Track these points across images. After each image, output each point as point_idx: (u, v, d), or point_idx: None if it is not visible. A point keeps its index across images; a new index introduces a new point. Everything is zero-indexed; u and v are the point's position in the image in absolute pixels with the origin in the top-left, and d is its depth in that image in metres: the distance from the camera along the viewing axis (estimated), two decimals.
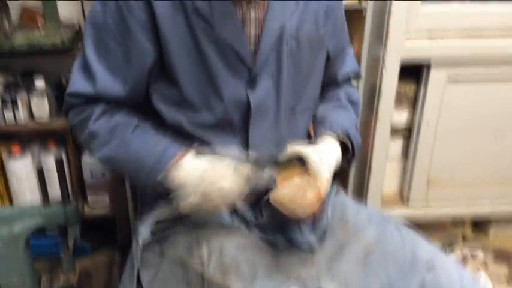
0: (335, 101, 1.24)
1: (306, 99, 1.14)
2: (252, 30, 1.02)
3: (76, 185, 1.88)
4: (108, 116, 1.02)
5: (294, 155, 1.04)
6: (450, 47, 1.64)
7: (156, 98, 1.05)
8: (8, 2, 1.70)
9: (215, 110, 1.03)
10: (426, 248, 1.08)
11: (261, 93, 1.05)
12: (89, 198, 1.91)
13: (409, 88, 1.77)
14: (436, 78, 1.69)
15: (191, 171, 0.97)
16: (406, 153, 1.88)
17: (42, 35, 1.69)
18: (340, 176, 1.91)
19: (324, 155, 1.04)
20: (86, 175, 1.89)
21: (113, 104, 1.03)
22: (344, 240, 1.10)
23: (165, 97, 1.04)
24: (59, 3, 1.81)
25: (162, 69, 1.02)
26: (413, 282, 1.01)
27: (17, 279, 1.57)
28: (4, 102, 1.72)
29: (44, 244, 1.73)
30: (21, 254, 1.53)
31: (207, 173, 0.96)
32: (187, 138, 1.05)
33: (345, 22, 1.22)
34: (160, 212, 1.05)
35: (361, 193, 1.86)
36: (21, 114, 1.74)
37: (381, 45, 1.62)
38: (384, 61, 1.62)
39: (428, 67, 1.68)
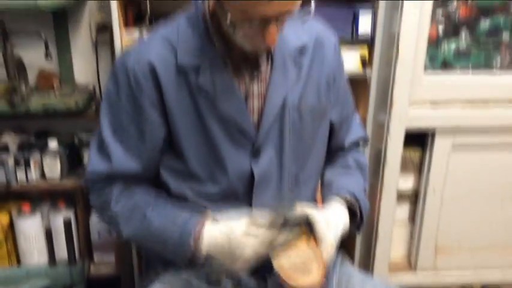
0: (343, 166, 1.24)
1: (309, 168, 1.15)
2: (255, 104, 1.05)
3: (83, 245, 1.89)
4: (127, 196, 1.07)
5: (301, 217, 1.03)
6: (454, 116, 1.67)
7: (163, 170, 1.09)
8: (27, 64, 1.77)
9: (219, 182, 1.06)
10: None
11: (264, 164, 1.07)
12: (96, 257, 1.92)
13: (415, 154, 1.79)
14: (440, 145, 1.70)
15: (213, 241, 0.99)
16: (413, 218, 1.88)
17: (57, 98, 1.74)
18: (347, 242, 1.92)
19: (331, 220, 1.04)
20: (94, 235, 1.90)
21: (130, 181, 1.07)
22: None
23: (171, 169, 1.08)
24: (75, 66, 1.89)
25: (170, 143, 1.05)
26: None
27: None
28: (17, 162, 1.76)
29: None
30: None
31: (230, 243, 0.98)
32: (192, 208, 1.07)
33: (349, 90, 1.24)
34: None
35: (368, 259, 1.84)
36: (33, 174, 1.78)
37: (386, 112, 1.65)
38: (388, 128, 1.65)
39: (433, 134, 1.70)
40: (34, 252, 1.81)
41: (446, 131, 1.69)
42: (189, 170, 1.06)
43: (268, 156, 1.08)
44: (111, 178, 1.06)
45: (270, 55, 1.05)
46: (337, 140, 1.23)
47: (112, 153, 1.04)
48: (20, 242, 1.83)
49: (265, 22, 0.88)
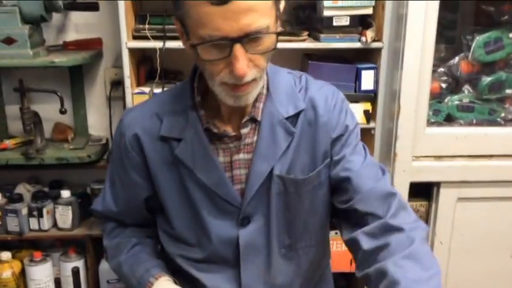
0: (408, 255, 0.91)
1: (307, 237, 1.11)
2: (242, 172, 1.04)
3: None
4: (115, 234, 1.19)
5: None
6: (458, 168, 1.69)
7: (158, 229, 1.14)
8: (43, 117, 1.85)
9: (206, 248, 1.07)
10: None
11: (251, 232, 1.06)
12: None
13: (422, 206, 1.80)
14: (445, 197, 1.71)
15: None
16: None
17: (70, 150, 1.82)
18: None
19: None
20: (103, 282, 1.93)
21: (119, 222, 1.19)
22: None
23: (162, 230, 1.13)
24: (89, 119, 1.97)
25: (161, 205, 1.09)
26: None
27: None
28: (30, 211, 1.82)
29: None
30: None
31: None
32: (180, 272, 1.11)
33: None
34: None
35: None
36: (46, 223, 1.84)
37: (390, 165, 1.68)
38: (392, 181, 1.66)
39: (438, 187, 1.71)
40: None
41: (451, 184, 1.70)
42: (176, 233, 1.08)
43: (256, 224, 1.06)
44: (104, 216, 1.20)
45: (257, 123, 1.02)
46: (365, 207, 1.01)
47: (105, 196, 1.17)
48: None
49: (230, 49, 0.84)
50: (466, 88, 1.84)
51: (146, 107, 1.09)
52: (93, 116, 1.97)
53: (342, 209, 1.06)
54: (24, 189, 1.90)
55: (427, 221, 1.80)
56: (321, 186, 1.07)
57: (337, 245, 1.78)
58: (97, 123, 1.97)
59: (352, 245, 1.02)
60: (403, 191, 1.68)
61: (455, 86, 1.86)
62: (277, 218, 1.06)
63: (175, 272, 1.12)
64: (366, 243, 0.98)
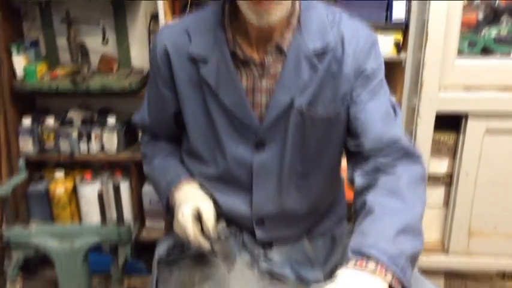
0: (391, 191, 0.98)
1: (320, 167, 1.16)
2: (263, 98, 1.08)
3: (135, 210, 2.10)
4: (151, 144, 1.28)
5: None
6: (487, 100, 1.67)
7: (182, 148, 1.23)
8: (91, 50, 1.99)
9: (220, 166, 1.14)
10: None
11: (266, 157, 1.11)
12: (147, 223, 2.12)
13: (450, 138, 1.80)
14: (473, 129, 1.71)
15: (181, 198, 1.14)
16: (447, 202, 1.89)
17: (114, 79, 1.95)
18: None
19: None
20: (146, 202, 2.10)
21: (153, 134, 1.28)
22: None
23: (184, 148, 1.22)
24: (132, 51, 2.10)
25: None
26: None
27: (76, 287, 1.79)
28: (80, 135, 2.00)
29: (100, 261, 1.94)
30: (79, 266, 1.74)
31: (180, 208, 1.11)
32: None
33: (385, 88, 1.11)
34: (172, 238, 1.22)
35: None
36: (94, 146, 2.01)
37: (417, 96, 1.69)
38: (418, 111, 1.68)
39: (466, 118, 1.71)
40: (93, 214, 2.04)
41: (480, 115, 1.69)
42: (195, 150, 1.16)
43: (270, 150, 1.10)
44: (140, 127, 1.31)
45: (283, 54, 1.05)
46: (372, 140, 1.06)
47: (142, 108, 1.26)
48: (82, 205, 2.07)
49: None
50: (505, 19, 1.79)
51: (180, 24, 1.14)
52: (135, 48, 2.09)
53: (351, 147, 1.11)
54: (75, 115, 2.07)
55: (454, 153, 1.80)
56: (338, 124, 1.10)
57: None
58: (139, 55, 2.09)
59: (351, 185, 1.10)
60: (428, 122, 1.70)
61: (493, 18, 1.80)
62: (292, 146, 1.10)
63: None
64: (359, 181, 1.05)
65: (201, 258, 1.18)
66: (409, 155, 1.04)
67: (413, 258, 0.89)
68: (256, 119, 1.09)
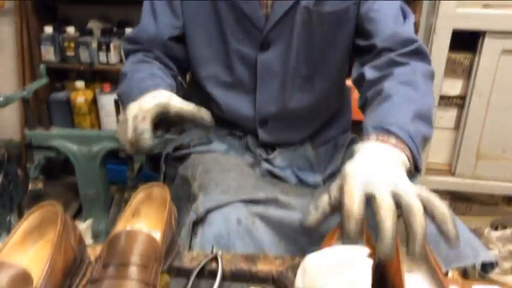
0: (405, 82, 0.98)
1: (326, 70, 1.15)
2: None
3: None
4: (136, 63, 1.11)
5: None
6: (505, 17, 1.63)
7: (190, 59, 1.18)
8: None
9: (223, 66, 1.14)
10: None
11: (270, 57, 1.11)
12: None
13: (465, 58, 1.78)
14: (489, 48, 1.68)
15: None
16: (459, 124, 1.89)
17: None
18: None
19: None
20: None
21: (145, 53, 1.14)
22: None
23: (190, 54, 1.16)
24: None
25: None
26: None
27: (94, 191, 1.89)
28: (100, 45, 2.04)
29: (116, 170, 2.03)
30: (97, 170, 1.84)
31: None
32: (204, 95, 1.19)
33: None
34: (179, 138, 1.27)
35: None
36: (113, 56, 2.05)
37: (434, 13, 1.66)
38: (435, 28, 1.66)
39: (483, 36, 1.68)
40: (112, 124, 2.12)
41: (497, 34, 1.66)
42: (200, 52, 1.13)
43: (275, 50, 1.10)
44: (134, 43, 1.13)
45: None
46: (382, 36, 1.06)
47: (140, 22, 1.14)
48: (101, 116, 2.15)
49: None
50: None
51: None
52: None
53: (361, 46, 1.08)
54: (94, 25, 2.10)
55: (469, 74, 1.79)
56: (347, 22, 1.08)
57: None
58: None
59: (359, 80, 1.07)
60: (444, 39, 1.68)
61: None
62: (298, 46, 1.09)
63: (201, 96, 1.19)
64: (371, 74, 1.02)
65: (203, 155, 1.24)
66: (422, 53, 1.02)
67: (425, 143, 0.90)
68: (263, 17, 1.08)
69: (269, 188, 1.13)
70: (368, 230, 0.71)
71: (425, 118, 0.91)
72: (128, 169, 1.87)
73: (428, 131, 0.92)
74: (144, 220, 0.81)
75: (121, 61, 2.09)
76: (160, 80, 1.02)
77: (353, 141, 1.30)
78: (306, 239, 1.01)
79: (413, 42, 1.03)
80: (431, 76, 1.03)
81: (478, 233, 1.96)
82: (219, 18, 1.10)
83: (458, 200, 2.02)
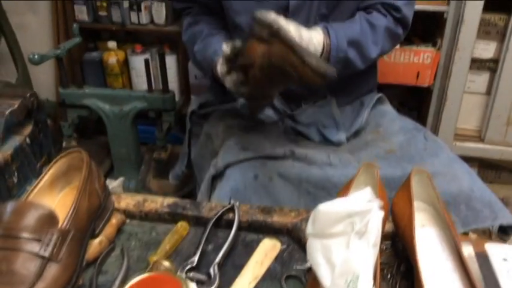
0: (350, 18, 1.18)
1: (339, 11, 1.18)
2: None
3: (183, 85, 2.20)
4: (190, 29, 1.25)
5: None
6: None
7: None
8: None
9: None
10: (445, 157, 1.08)
11: (302, 4, 1.14)
12: (192, 97, 2.22)
13: (501, 18, 1.72)
14: None
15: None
16: (490, 90, 1.85)
17: None
18: (421, 108, 1.95)
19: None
20: (192, 76, 2.19)
21: (199, 11, 1.24)
22: (371, 141, 1.19)
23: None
24: None
25: None
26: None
27: (125, 150, 1.95)
28: (131, 5, 2.06)
29: (146, 130, 2.08)
30: (128, 130, 1.89)
31: None
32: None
33: None
34: (205, 96, 1.29)
35: (437, 125, 1.89)
36: (144, 17, 2.08)
37: None
38: None
39: None
40: (143, 85, 2.15)
41: None
42: (232, 3, 1.17)
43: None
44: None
45: None
46: None
47: None
48: (132, 76, 2.19)
49: None
50: None
51: None
52: None
53: None
54: None
55: (503, 36, 1.73)
56: None
57: (404, 56, 1.81)
58: None
59: None
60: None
61: None
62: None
63: None
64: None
65: (226, 113, 1.26)
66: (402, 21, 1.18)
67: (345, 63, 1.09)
68: None
69: (289, 144, 1.16)
70: (383, 188, 0.73)
71: (360, 50, 1.12)
72: (156, 129, 1.91)
73: (354, 58, 1.11)
74: (56, 191, 0.75)
75: (152, 21, 2.11)
76: None
77: (379, 101, 1.31)
78: (324, 193, 1.03)
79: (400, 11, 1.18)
80: (392, 35, 1.18)
81: (506, 201, 1.94)
82: None
83: (487, 167, 1.99)
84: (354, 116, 1.29)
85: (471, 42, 1.70)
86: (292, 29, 0.94)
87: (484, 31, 1.72)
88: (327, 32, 1.05)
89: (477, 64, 1.79)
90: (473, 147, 1.88)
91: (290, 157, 1.08)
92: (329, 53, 1.05)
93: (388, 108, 1.33)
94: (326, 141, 1.24)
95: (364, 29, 1.13)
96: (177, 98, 1.92)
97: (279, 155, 1.08)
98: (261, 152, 1.08)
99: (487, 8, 1.65)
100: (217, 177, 1.08)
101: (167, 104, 1.84)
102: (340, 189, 0.76)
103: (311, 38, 1.00)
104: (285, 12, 1.15)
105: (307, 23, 1.16)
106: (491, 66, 1.80)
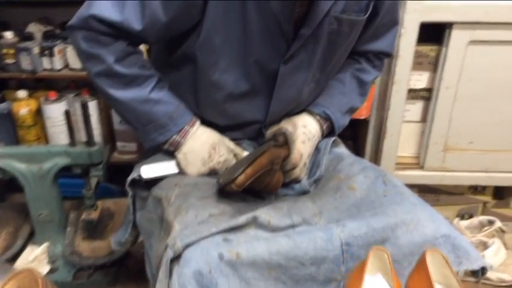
0: (339, 80, 1.26)
1: (331, 71, 1.19)
2: (299, 7, 1.03)
3: (106, 131, 2.02)
4: (131, 62, 1.05)
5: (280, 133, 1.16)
6: (472, 7, 1.59)
7: (185, 61, 1.10)
8: None
9: (242, 73, 1.08)
10: (407, 203, 1.04)
11: (291, 68, 1.09)
12: (118, 144, 2.05)
13: (432, 50, 1.75)
14: (457, 39, 1.65)
15: (199, 144, 1.11)
16: (426, 117, 1.87)
17: None
18: (358, 138, 1.95)
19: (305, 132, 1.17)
20: (116, 122, 2.01)
21: (133, 43, 1.04)
22: (333, 189, 1.14)
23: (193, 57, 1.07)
24: None
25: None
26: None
27: (47, 212, 1.73)
28: (42, 50, 1.86)
29: (71, 185, 1.87)
30: (50, 189, 1.68)
31: (214, 153, 1.13)
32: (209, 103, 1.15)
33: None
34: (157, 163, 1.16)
35: (377, 156, 1.88)
36: (57, 62, 1.88)
37: (403, 5, 1.61)
38: (402, 22, 1.61)
39: (450, 27, 1.65)
40: (60, 135, 1.95)
41: (464, 25, 1.63)
42: (211, 57, 1.05)
43: (298, 61, 1.09)
44: (118, 30, 0.99)
45: None
46: (359, 43, 1.22)
47: (126, 4, 0.97)
48: (48, 127, 1.97)
49: None
50: None
51: None
52: None
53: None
54: (35, 29, 1.92)
55: (436, 66, 1.76)
56: (361, 27, 1.14)
57: None
58: None
59: None
60: (412, 32, 1.63)
61: None
62: (320, 55, 1.11)
63: (206, 104, 1.15)
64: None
65: (181, 176, 1.14)
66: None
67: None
68: (292, 31, 1.05)
69: (250, 205, 1.07)
70: (395, 272, 0.66)
71: (352, 111, 1.30)
72: (84, 184, 1.71)
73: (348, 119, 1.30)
74: None
75: (67, 66, 1.91)
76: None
77: (334, 144, 1.27)
78: (295, 263, 0.93)
79: (389, 56, 1.34)
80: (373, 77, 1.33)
81: None
82: (246, 27, 1.02)
83: (427, 191, 2.01)
84: (312, 164, 1.24)
85: (407, 75, 1.71)
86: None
87: (417, 62, 1.73)
88: (327, 117, 1.22)
89: (411, 94, 1.80)
90: (414, 175, 1.89)
91: (253, 224, 0.99)
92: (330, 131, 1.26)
93: (343, 150, 1.31)
94: (289, 189, 1.19)
95: (353, 90, 1.27)
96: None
97: (242, 223, 0.97)
98: (222, 223, 0.96)
99: (418, 40, 1.67)
100: (174, 258, 0.94)
101: (94, 157, 1.65)
102: (351, 274, 0.68)
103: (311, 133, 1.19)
104: (272, 80, 1.11)
105: (300, 91, 1.17)
106: (424, 95, 1.83)
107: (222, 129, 1.17)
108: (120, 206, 1.89)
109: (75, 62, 1.89)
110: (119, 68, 1.03)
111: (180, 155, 1.13)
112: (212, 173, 1.15)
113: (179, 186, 1.09)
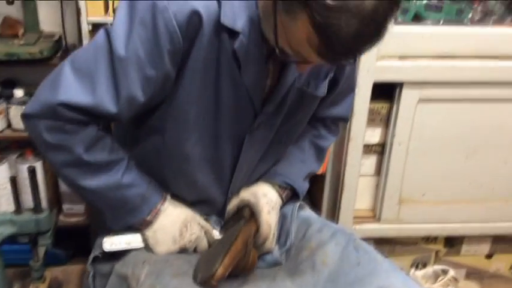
0: (299, 147, 1.28)
1: (292, 135, 1.20)
2: (269, 81, 1.03)
3: (51, 194, 1.90)
4: (101, 146, 0.98)
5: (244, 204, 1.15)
6: (421, 68, 1.67)
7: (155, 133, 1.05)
8: None
9: (208, 144, 1.06)
10: (381, 271, 1.06)
11: (257, 136, 1.09)
12: (64, 206, 1.93)
13: (383, 107, 1.80)
14: (407, 97, 1.71)
15: (170, 221, 1.06)
16: (379, 171, 1.91)
17: (21, 45, 1.71)
18: (315, 193, 1.95)
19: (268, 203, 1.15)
20: (62, 185, 1.90)
21: (103, 127, 0.99)
22: (306, 261, 1.13)
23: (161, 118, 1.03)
24: (40, 14, 1.85)
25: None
26: None
27: None
28: None
29: (15, 251, 1.73)
30: None
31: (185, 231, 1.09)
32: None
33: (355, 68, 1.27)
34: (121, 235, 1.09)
35: (334, 211, 1.89)
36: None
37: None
38: (357, 81, 1.64)
39: (401, 87, 1.71)
40: (2, 201, 1.81)
41: (414, 84, 1.70)
42: (180, 130, 1.02)
43: (263, 129, 1.09)
44: (90, 115, 0.92)
45: None
46: (318, 109, 1.21)
47: (96, 88, 0.89)
48: None
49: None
50: None
51: None
52: (43, 10, 1.85)
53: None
54: None
55: (387, 123, 1.81)
56: (319, 99, 1.15)
57: None
58: (49, 18, 1.86)
59: None
60: (365, 92, 1.68)
61: None
62: (281, 124, 1.11)
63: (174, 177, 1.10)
64: None
65: (149, 251, 1.08)
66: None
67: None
68: (261, 104, 1.05)
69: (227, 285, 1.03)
70: None
71: (311, 175, 1.32)
72: (31, 252, 1.59)
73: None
74: None
75: (9, 127, 1.80)
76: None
77: (300, 208, 1.25)
78: None
79: (344, 122, 1.41)
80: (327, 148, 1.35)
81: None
82: (218, 101, 1.00)
83: (382, 243, 2.03)
84: (280, 231, 1.22)
85: (362, 131, 1.75)
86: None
87: (370, 119, 1.78)
88: (288, 186, 1.22)
89: (365, 148, 1.84)
90: (371, 228, 1.91)
91: None
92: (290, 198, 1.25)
93: (310, 213, 1.31)
94: (263, 262, 1.16)
95: (312, 157, 1.29)
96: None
97: None
98: None
99: (371, 98, 1.72)
100: None
101: (42, 225, 1.53)
102: None
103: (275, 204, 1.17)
104: (237, 150, 1.09)
105: (263, 158, 1.18)
106: (377, 149, 1.87)
107: (189, 205, 1.12)
108: (69, 275, 1.77)
109: (18, 122, 1.78)
110: (88, 157, 0.96)
111: (149, 233, 1.06)
112: (182, 250, 1.09)
113: (148, 264, 1.03)
